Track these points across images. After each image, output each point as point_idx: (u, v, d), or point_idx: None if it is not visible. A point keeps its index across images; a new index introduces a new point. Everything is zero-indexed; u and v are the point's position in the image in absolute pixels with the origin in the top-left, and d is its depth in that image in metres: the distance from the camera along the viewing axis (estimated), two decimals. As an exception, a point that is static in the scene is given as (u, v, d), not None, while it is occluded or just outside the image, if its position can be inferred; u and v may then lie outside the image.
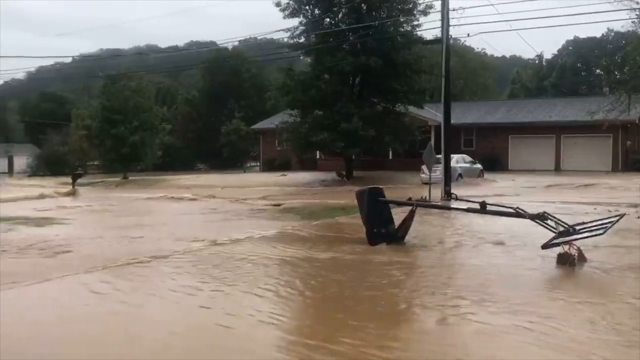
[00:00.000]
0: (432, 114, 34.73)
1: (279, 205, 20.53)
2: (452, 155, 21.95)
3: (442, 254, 9.93)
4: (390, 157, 39.49)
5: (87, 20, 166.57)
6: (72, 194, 28.48)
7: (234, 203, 21.55)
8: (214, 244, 10.98)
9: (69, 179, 34.93)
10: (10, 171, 63.41)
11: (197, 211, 19.10)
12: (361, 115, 28.83)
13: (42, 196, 26.79)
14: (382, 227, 10.75)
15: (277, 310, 6.52)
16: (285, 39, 32.00)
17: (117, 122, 38.41)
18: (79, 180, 36.24)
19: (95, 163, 50.98)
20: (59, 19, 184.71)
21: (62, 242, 12.35)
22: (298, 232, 12.47)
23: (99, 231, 14.34)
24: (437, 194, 19.07)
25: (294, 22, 31.23)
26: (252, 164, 53.45)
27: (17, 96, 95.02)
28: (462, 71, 58.42)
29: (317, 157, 40.73)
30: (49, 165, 52.51)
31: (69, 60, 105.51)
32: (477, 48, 69.98)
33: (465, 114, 41.67)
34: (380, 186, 11.86)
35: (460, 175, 28.85)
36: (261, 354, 5.24)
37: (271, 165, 43.96)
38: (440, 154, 20.01)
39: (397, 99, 31.31)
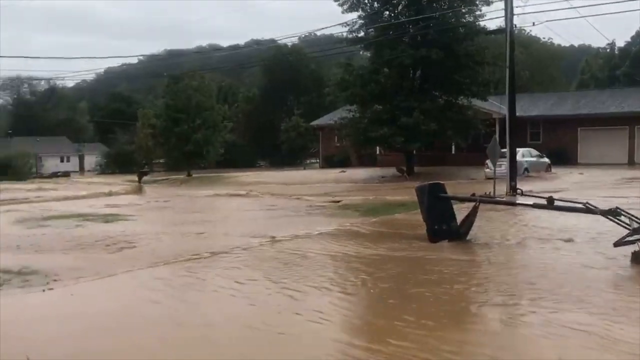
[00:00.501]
0: (497, 106, 33.68)
1: (337, 201, 20.43)
2: (517, 149, 21.16)
3: (506, 252, 9.52)
4: (453, 152, 38.62)
5: (152, 22, 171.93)
6: (138, 191, 29.33)
7: (293, 200, 21.57)
8: (274, 240, 10.96)
9: (135, 177, 36.12)
10: (81, 169, 66.27)
11: (257, 208, 19.24)
12: (422, 109, 28.29)
13: (109, 193, 27.77)
14: (443, 224, 10.43)
15: (332, 308, 6.37)
16: (344, 34, 31.85)
17: (180, 121, 39.33)
18: (145, 178, 37.41)
19: (161, 161, 52.43)
20: (126, 22, 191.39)
21: (127, 238, 12.67)
22: (357, 229, 12.30)
23: (162, 227, 14.65)
24: (502, 189, 18.44)
25: (353, 16, 31.00)
26: (312, 160, 53.60)
27: (87, 97, 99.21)
28: (528, 62, 56.47)
29: (377, 152, 40.33)
30: (117, 164, 54.47)
31: (135, 61, 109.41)
32: (544, 37, 67.50)
33: (531, 106, 40.24)
34: (442, 182, 11.50)
35: (526, 169, 27.86)
36: (313, 353, 5.11)
37: (330, 162, 43.90)
38: (505, 147, 19.34)
39: (460, 92, 30.55)
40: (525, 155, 28.91)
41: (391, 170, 32.76)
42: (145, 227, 14.67)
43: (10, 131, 70.48)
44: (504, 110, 19.83)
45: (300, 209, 18.04)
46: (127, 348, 5.33)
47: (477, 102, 32.13)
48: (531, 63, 58.69)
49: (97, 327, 6.00)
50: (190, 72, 44.49)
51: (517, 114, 20.60)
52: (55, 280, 8.43)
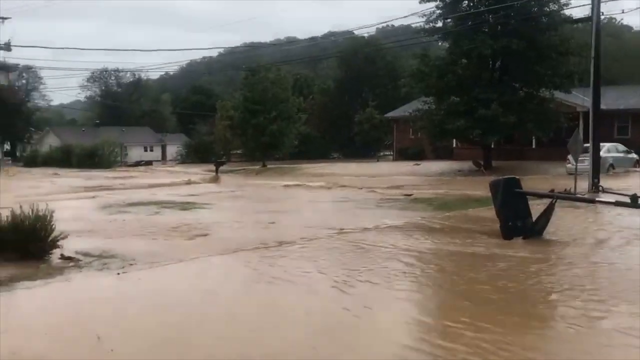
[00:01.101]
0: (581, 99, 32.07)
1: (410, 195, 20.16)
2: (602, 144, 20.11)
3: (583, 251, 9.05)
4: (534, 146, 37.19)
5: (231, 16, 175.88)
6: (215, 180, 30.15)
7: (365, 192, 21.49)
8: (341, 232, 10.95)
9: (213, 167, 37.14)
10: (164, 159, 68.89)
11: (328, 199, 19.30)
12: (501, 101, 27.38)
13: (188, 182, 28.73)
14: (518, 220, 10.05)
15: (396, 303, 6.29)
16: (421, 25, 31.26)
17: (257, 113, 40.07)
18: (222, 168, 38.41)
19: (238, 152, 53.67)
20: (206, 15, 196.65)
21: (201, 226, 13.05)
22: (427, 223, 12.08)
23: (235, 216, 15.00)
24: (583, 185, 17.60)
25: (430, 6, 30.32)
26: (386, 152, 53.21)
27: (170, 89, 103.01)
28: (618, 52, 53.41)
29: (453, 145, 39.48)
30: (196, 154, 56.26)
31: (215, 54, 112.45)
32: (636, 27, 63.64)
33: (620, 99, 38.01)
34: (518, 177, 11.08)
35: (611, 165, 26.43)
36: (379, 351, 5.04)
37: (404, 154, 43.39)
38: (588, 142, 18.41)
39: (541, 84, 29.32)
40: (610, 150, 27.47)
41: (467, 164, 31.99)
42: (219, 216, 15.07)
43: (97, 121, 74.27)
44: (588, 103, 18.85)
45: (370, 202, 17.93)
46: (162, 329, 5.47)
47: (560, 95, 30.74)
48: (621, 54, 55.50)
49: (150, 308, 6.27)
50: (267, 64, 45.17)
51: (604, 107, 19.57)
52: (131, 265, 8.81)
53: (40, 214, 9.92)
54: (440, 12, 30.23)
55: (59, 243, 9.95)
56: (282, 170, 37.56)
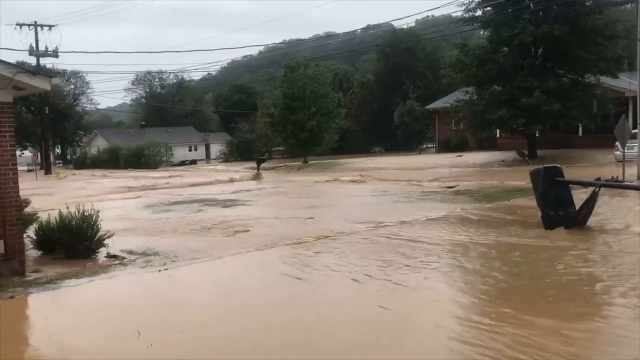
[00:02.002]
0: (628, 83, 30.96)
1: (452, 187, 19.94)
2: (651, 129, 19.35)
3: (629, 241, 8.78)
4: (580, 134, 36.11)
5: (270, 14, 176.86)
6: (257, 177, 30.42)
7: (406, 185, 21.34)
8: (379, 226, 10.93)
9: (255, 164, 37.45)
10: (208, 157, 69.90)
11: (367, 193, 19.26)
12: (544, 88, 26.64)
13: (231, 180, 29.09)
14: (560, 210, 9.84)
15: (431, 296, 6.25)
16: (461, 14, 30.71)
17: (296, 109, 40.18)
18: (264, 165, 38.73)
19: (280, 148, 54.01)
20: (246, 15, 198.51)
21: (242, 222, 13.26)
22: (467, 215, 11.93)
23: (275, 212, 15.12)
24: (632, 172, 17.03)
25: (470, -6, 29.70)
26: (429, 145, 52.61)
27: (212, 89, 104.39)
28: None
29: (497, 136, 38.71)
30: (239, 152, 56.88)
31: (256, 52, 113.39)
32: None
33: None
34: (563, 165, 10.82)
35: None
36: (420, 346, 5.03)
37: (447, 146, 42.76)
38: (636, 128, 17.78)
39: (586, 69, 28.40)
40: (661, 135, 26.37)
41: (512, 154, 31.32)
42: (260, 212, 15.24)
43: (143, 123, 75.85)
44: (635, 87, 18.19)
45: (412, 195, 17.80)
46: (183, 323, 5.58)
47: (607, 80, 29.73)
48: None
49: (177, 302, 6.45)
50: (305, 60, 45.23)
51: (653, 91, 18.80)
52: (173, 261, 9.04)
53: (86, 214, 10.29)
54: (480, 0, 29.65)
55: (104, 242, 10.29)
56: (323, 165, 37.61)
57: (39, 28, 44.20)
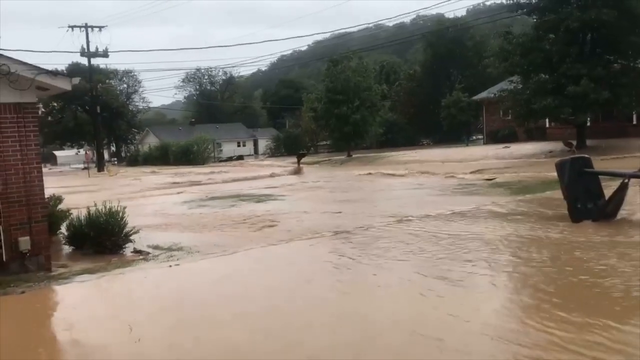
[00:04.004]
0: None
1: (491, 179, 19.51)
2: None
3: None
4: (635, 122, 34.59)
5: (319, 8, 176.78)
6: (298, 172, 30.54)
7: (444, 178, 21.00)
8: (401, 220, 10.78)
9: (296, 159, 37.59)
10: (256, 152, 70.74)
11: (404, 187, 19.04)
12: (592, 76, 25.58)
13: (272, 175, 29.35)
14: (588, 202, 9.46)
15: (438, 294, 6.12)
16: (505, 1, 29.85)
17: (340, 103, 40.02)
18: (308, 159, 38.86)
19: (326, 143, 54.03)
20: (294, 11, 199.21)
21: (271, 217, 13.36)
22: (496, 208, 11.62)
23: (306, 207, 15.14)
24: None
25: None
26: (478, 136, 51.52)
27: (262, 85, 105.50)
28: None
29: (546, 126, 37.52)
30: (285, 146, 57.27)
31: (305, 47, 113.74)
32: None
33: None
34: (587, 155, 10.40)
35: None
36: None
37: (495, 137, 41.75)
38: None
39: (638, 55, 27.13)
40: None
41: (560, 145, 30.30)
42: (291, 207, 15.31)
43: (192, 120, 77.42)
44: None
45: (447, 188, 17.51)
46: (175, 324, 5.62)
47: (662, 65, 28.35)
48: None
49: (168, 298, 6.56)
50: (347, 52, 45.02)
51: None
52: (191, 256, 9.21)
53: (113, 210, 10.58)
54: (524, -14, 28.74)
55: (131, 237, 10.56)
56: (367, 159, 37.44)
57: (89, 29, 45.63)
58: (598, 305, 5.42)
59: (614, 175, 9.80)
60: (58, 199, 11.93)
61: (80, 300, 6.65)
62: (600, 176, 9.89)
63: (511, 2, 29.45)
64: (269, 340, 4.93)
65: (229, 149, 67.81)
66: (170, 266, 8.15)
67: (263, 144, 68.37)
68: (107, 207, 10.49)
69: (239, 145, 71.53)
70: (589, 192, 9.46)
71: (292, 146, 55.11)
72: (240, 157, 61.28)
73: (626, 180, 9.07)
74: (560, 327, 4.79)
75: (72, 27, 45.94)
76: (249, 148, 72.65)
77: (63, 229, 11.17)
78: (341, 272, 7.20)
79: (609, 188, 9.74)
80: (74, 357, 4.92)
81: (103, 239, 10.26)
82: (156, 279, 7.54)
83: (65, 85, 8.84)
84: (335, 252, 8.39)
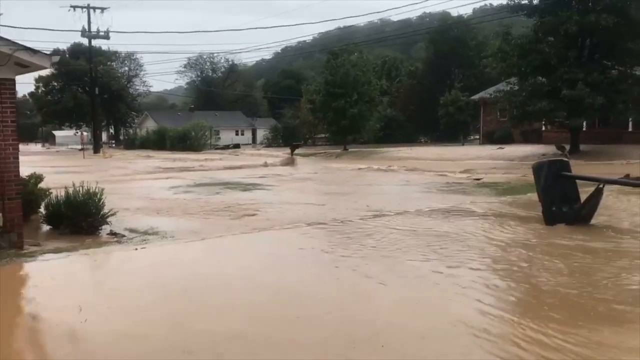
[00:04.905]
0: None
1: (479, 179, 19.53)
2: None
3: (631, 239, 8.36)
4: (630, 129, 34.58)
5: (328, 2, 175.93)
6: (290, 163, 30.54)
7: (433, 176, 21.02)
8: (378, 215, 10.80)
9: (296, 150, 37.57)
10: (254, 142, 70.67)
11: (392, 183, 19.05)
12: (588, 80, 25.54)
13: (265, 164, 29.35)
14: (563, 206, 9.47)
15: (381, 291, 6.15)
16: (506, 1, 29.75)
17: (338, 96, 39.97)
18: (303, 151, 38.87)
19: (324, 135, 53.99)
20: (302, 2, 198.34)
21: (253, 206, 13.36)
22: (472, 208, 11.64)
23: (290, 197, 15.17)
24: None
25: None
26: (476, 136, 51.50)
27: (265, 74, 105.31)
28: None
29: (542, 129, 37.52)
30: (283, 137, 57.22)
31: (309, 39, 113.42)
32: None
33: None
34: (566, 159, 10.44)
35: None
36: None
37: (491, 138, 41.78)
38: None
39: (637, 62, 27.08)
40: None
41: (553, 149, 30.34)
42: (276, 197, 15.32)
43: (192, 106, 77.29)
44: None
45: (434, 186, 17.52)
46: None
47: (660, 73, 28.30)
48: None
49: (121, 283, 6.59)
50: (347, 45, 44.93)
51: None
52: (163, 240, 9.24)
53: (91, 191, 10.58)
54: (526, -13, 28.64)
55: (108, 219, 10.57)
56: (362, 153, 37.43)
57: (91, 10, 45.51)
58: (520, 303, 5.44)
59: (590, 180, 9.80)
60: (39, 178, 11.91)
61: (37, 278, 6.67)
62: (578, 180, 9.91)
63: (512, 3, 29.37)
64: (197, 316, 5.11)
65: (227, 137, 67.71)
66: (136, 249, 8.17)
67: (262, 133, 68.32)
68: (85, 187, 10.47)
69: (237, 134, 71.42)
70: (565, 196, 9.48)
71: (289, 137, 55.08)
72: (237, 146, 61.20)
73: (601, 186, 9.08)
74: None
75: (74, 7, 45.83)
76: (247, 137, 72.57)
77: (42, 208, 11.18)
78: (301, 261, 7.29)
79: (586, 194, 9.76)
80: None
81: (79, 220, 10.25)
82: (117, 261, 7.58)
83: (44, 62, 8.82)
84: (304, 242, 8.45)
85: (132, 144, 59.86)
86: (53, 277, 6.64)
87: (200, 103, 79.88)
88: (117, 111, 70.22)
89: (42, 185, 11.99)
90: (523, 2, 29.19)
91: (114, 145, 68.72)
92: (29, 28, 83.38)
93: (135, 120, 74.77)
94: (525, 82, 28.04)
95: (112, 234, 10.34)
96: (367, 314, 5.26)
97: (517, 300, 5.75)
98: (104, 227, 10.48)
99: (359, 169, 25.28)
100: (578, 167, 18.50)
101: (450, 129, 49.96)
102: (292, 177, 22.13)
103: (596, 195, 9.15)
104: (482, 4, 53.07)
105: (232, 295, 6.02)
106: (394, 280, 6.32)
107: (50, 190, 11.51)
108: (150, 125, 66.94)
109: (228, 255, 7.95)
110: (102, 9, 46.18)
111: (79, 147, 53.83)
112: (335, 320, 5.07)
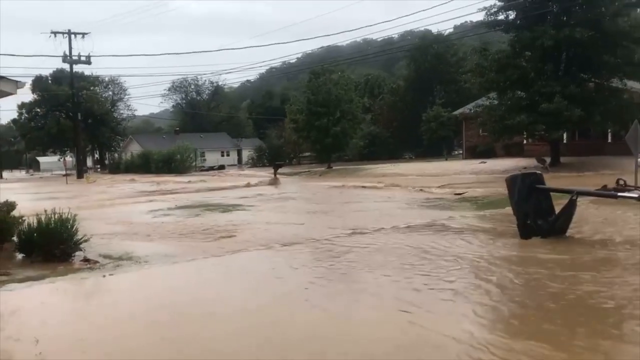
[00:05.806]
0: (661, 88, 29.81)
1: (460, 194, 19.55)
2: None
3: (606, 252, 8.36)
4: (610, 140, 34.96)
5: (310, 24, 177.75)
6: (273, 182, 30.46)
7: (415, 192, 21.04)
8: (354, 233, 10.76)
9: (279, 170, 37.54)
10: (239, 162, 70.63)
11: (374, 199, 19.02)
12: (565, 93, 25.86)
13: (247, 185, 29.22)
14: (538, 219, 9.47)
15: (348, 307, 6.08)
16: (484, 18, 30.16)
17: (320, 114, 40.15)
18: (287, 170, 38.85)
19: (308, 154, 54.09)
20: (285, 24, 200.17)
21: (231, 228, 13.24)
22: (450, 223, 11.63)
23: (270, 218, 15.07)
24: (646, 180, 16.30)
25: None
26: (459, 151, 51.89)
27: (250, 96, 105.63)
28: None
29: (524, 142, 37.85)
30: (268, 157, 57.28)
31: (294, 60, 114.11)
32: None
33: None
34: (539, 172, 10.48)
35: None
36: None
37: (474, 152, 42.07)
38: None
39: (612, 74, 27.47)
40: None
41: (534, 162, 30.57)
42: (256, 218, 15.22)
43: (177, 129, 77.19)
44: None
45: (415, 202, 17.52)
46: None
47: (635, 85, 28.71)
48: None
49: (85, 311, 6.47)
50: (328, 64, 45.27)
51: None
52: (144, 263, 9.15)
53: (64, 217, 10.43)
54: (502, 4, 29.07)
55: (81, 246, 10.40)
56: (346, 171, 37.46)
57: (72, 36, 45.46)
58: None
59: (564, 192, 9.82)
60: (11, 206, 11.74)
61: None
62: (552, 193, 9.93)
63: (490, 19, 29.76)
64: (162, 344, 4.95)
65: (212, 158, 67.63)
66: (104, 276, 8.03)
67: (247, 154, 68.34)
68: (57, 214, 10.33)
69: (222, 155, 71.40)
70: (540, 209, 9.48)
71: (274, 157, 55.16)
72: (222, 167, 61.11)
73: (574, 197, 9.10)
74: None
75: (55, 33, 45.74)
76: (232, 158, 72.55)
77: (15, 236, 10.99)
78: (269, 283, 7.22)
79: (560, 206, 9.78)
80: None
81: (52, 247, 10.09)
82: (84, 289, 7.45)
83: (10, 89, 8.80)
84: (276, 264, 8.39)
85: (117, 168, 59.47)
86: (16, 308, 6.48)
87: (186, 125, 79.87)
88: (102, 135, 69.89)
89: (19, 212, 11.83)
90: (499, 18, 29.61)
91: (99, 169, 68.27)
92: (8, 54, 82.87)
93: (120, 144, 74.47)
94: (504, 96, 28.34)
95: (86, 260, 10.17)
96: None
97: (477, 315, 5.71)
98: (77, 253, 10.32)
99: (342, 186, 25.26)
100: (556, 179, 18.72)
101: (433, 145, 50.32)
102: (274, 196, 22.04)
103: (570, 207, 9.17)
104: (462, 20, 54.05)
105: (190, 325, 5.84)
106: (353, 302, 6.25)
107: (23, 218, 11.35)
108: (135, 148, 66.71)
109: (198, 281, 7.83)
110: (83, 34, 46.08)
111: (63, 172, 53.39)
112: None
